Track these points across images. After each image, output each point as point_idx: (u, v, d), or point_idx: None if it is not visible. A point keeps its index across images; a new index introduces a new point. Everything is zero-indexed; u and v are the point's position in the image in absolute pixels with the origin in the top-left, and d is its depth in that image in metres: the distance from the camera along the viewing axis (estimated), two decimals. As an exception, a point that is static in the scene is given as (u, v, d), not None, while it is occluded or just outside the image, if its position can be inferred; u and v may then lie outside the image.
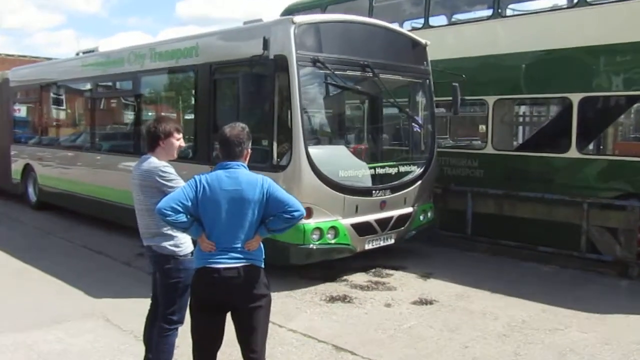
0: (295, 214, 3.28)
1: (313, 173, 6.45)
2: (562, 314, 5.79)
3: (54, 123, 12.30)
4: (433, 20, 9.91)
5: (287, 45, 6.40)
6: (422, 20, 9.90)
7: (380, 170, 7.39)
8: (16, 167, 12.79)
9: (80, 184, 10.38)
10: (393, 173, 7.54)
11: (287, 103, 6.46)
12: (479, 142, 9.96)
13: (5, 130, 13.40)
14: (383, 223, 7.24)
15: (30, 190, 12.40)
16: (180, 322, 3.87)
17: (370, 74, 7.13)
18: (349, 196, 6.80)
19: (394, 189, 7.36)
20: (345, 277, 7.05)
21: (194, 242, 3.50)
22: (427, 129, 8.30)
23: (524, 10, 9.48)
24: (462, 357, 4.76)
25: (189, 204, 3.19)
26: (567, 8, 8.57)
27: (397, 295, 6.42)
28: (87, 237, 9.39)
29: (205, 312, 3.30)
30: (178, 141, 3.97)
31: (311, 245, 6.52)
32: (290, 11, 12.18)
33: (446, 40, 9.58)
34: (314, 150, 6.55)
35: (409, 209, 7.62)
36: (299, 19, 6.61)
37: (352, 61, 7.00)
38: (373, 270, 7.38)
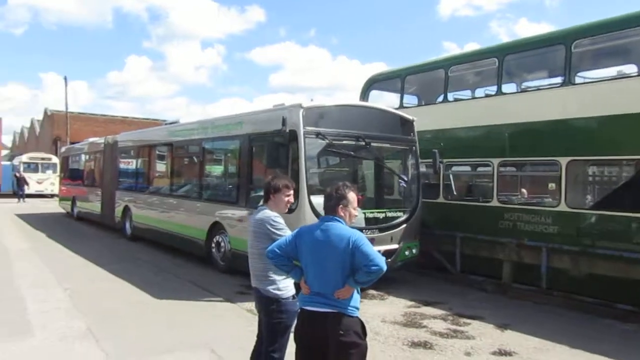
0: (373, 268, 3.07)
1: (314, 214, 7.39)
2: (648, 374, 5.17)
3: (146, 175, 14.05)
4: (505, 88, 9.67)
5: (297, 123, 7.80)
6: (495, 88, 9.70)
7: (370, 215, 8.35)
8: (118, 208, 14.81)
9: (161, 221, 12.15)
10: (381, 217, 8.52)
11: (297, 163, 7.75)
12: (550, 199, 9.38)
13: (114, 180, 15.32)
14: None
15: (127, 225, 14.20)
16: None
17: (363, 143, 8.37)
18: None
19: (381, 230, 8.31)
20: (425, 324, 6.72)
21: (298, 286, 3.47)
22: (412, 185, 9.32)
23: (594, 78, 9.02)
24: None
25: (289, 249, 3.30)
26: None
27: (476, 344, 5.99)
28: (193, 274, 9.61)
29: (304, 350, 3.24)
30: (287, 197, 3.95)
31: None
32: (372, 81, 12.38)
33: (516, 106, 9.30)
34: (315, 199, 7.57)
35: (395, 246, 8.47)
36: (307, 104, 8.03)
37: (347, 134, 8.28)
38: (451, 318, 7.00)
